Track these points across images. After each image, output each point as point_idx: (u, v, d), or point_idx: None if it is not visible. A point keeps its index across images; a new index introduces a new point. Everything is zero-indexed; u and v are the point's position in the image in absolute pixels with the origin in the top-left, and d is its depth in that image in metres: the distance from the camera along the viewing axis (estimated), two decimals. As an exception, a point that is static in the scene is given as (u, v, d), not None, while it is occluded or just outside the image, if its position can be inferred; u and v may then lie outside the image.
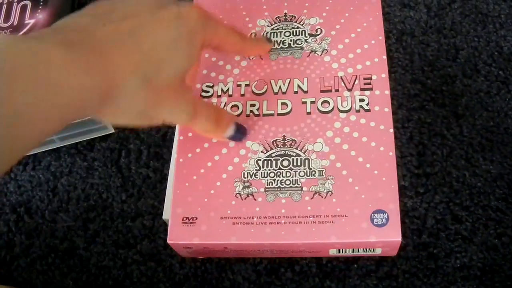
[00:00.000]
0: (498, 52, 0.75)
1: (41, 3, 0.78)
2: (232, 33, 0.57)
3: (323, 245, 0.56)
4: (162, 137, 0.74)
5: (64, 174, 0.74)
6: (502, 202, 0.66)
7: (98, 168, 0.73)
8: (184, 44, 0.49)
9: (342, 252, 0.58)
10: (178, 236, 0.58)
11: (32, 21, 0.76)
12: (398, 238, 0.54)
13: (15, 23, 0.76)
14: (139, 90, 0.47)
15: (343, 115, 0.60)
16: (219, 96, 0.63)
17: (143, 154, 0.73)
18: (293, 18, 0.67)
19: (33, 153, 0.75)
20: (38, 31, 0.45)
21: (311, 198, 0.57)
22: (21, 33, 0.75)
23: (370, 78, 0.61)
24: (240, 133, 0.59)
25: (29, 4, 0.78)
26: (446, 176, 0.68)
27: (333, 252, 0.58)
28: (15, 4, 0.78)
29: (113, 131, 0.75)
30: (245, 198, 0.58)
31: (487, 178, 0.67)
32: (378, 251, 0.58)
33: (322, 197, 0.56)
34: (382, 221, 0.55)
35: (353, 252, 0.58)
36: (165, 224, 0.67)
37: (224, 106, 0.62)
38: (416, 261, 0.64)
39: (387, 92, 0.61)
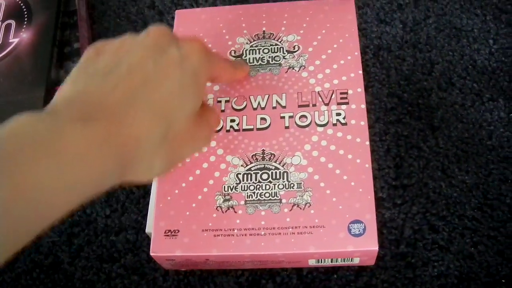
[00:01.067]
0: (472, 65, 0.77)
1: (25, 22, 0.79)
2: (227, 64, 0.59)
3: (302, 255, 0.57)
4: (145, 152, 0.75)
5: (49, 190, 0.74)
6: (477, 211, 0.68)
7: (82, 183, 0.74)
8: (191, 86, 0.50)
9: (321, 262, 0.59)
10: (160, 249, 0.59)
11: (16, 40, 0.77)
12: (375, 248, 0.56)
13: (-1, 42, 0.78)
14: (157, 149, 0.48)
15: (320, 129, 0.62)
16: None
17: (126, 169, 0.75)
18: (271, 36, 0.68)
19: (17, 170, 0.76)
20: (50, 105, 0.45)
21: (290, 210, 0.58)
22: (5, 52, 0.77)
23: (347, 93, 0.63)
24: None
25: (13, 23, 0.79)
26: (423, 187, 0.69)
27: (312, 262, 0.60)
28: (-1, 23, 0.80)
29: (96, 147, 0.76)
30: (225, 211, 0.59)
31: (463, 188, 0.69)
32: (356, 261, 0.59)
33: (300, 208, 0.58)
34: (359, 231, 0.56)
35: (331, 262, 0.59)
36: (148, 238, 0.68)
37: None
38: (394, 271, 0.65)
39: (363, 106, 0.62)
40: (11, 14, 0.80)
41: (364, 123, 0.62)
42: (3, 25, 0.79)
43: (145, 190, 0.72)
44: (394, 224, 0.67)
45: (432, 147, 0.72)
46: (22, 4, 0.81)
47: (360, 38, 0.78)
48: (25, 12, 0.80)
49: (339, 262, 0.60)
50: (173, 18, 0.85)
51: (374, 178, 0.69)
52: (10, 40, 0.78)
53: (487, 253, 0.65)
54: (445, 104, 0.75)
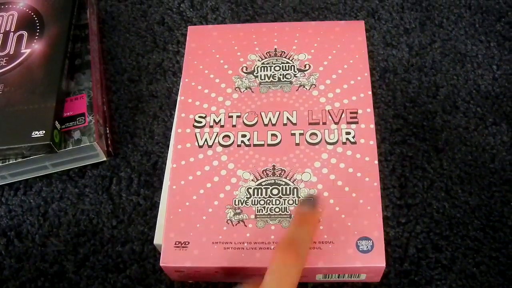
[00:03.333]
0: (476, 90, 0.79)
1: (37, 34, 0.80)
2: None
3: (310, 270, 0.58)
4: (153, 165, 0.76)
5: (55, 200, 0.75)
6: (480, 232, 0.69)
7: (89, 194, 0.75)
8: None
9: (329, 277, 0.60)
10: (170, 260, 0.59)
11: (28, 51, 0.78)
12: (382, 264, 0.57)
13: (11, 52, 0.78)
14: None
15: (330, 147, 0.63)
16: (211, 127, 0.66)
17: (133, 182, 0.75)
18: (282, 54, 0.70)
19: (24, 178, 0.77)
20: None
21: None
22: (17, 62, 0.77)
23: (356, 112, 0.64)
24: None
25: (25, 34, 0.80)
26: (426, 207, 0.70)
27: (319, 277, 0.60)
28: (11, 34, 0.80)
29: (104, 159, 0.77)
30: (236, 224, 0.60)
31: (466, 209, 0.70)
32: (363, 277, 0.60)
33: None
34: (367, 248, 0.57)
35: (338, 277, 0.60)
36: (154, 250, 0.69)
37: (216, 136, 0.65)
38: (398, 288, 0.66)
39: (372, 126, 0.64)
40: (24, 25, 0.81)
41: (373, 142, 0.63)
42: (16, 35, 0.80)
43: (152, 202, 0.73)
44: (398, 243, 0.68)
45: (436, 168, 0.73)
46: (34, 16, 0.82)
47: (367, 60, 0.80)
48: (37, 24, 0.81)
49: (346, 278, 0.60)
50: (182, 34, 0.86)
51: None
52: (22, 51, 0.79)
53: (489, 274, 0.66)
54: (449, 127, 0.76)
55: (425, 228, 0.69)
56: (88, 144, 0.73)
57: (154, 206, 0.73)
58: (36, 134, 0.71)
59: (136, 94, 0.83)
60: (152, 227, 0.71)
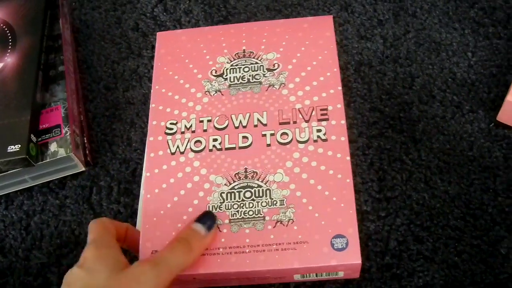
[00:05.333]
0: (452, 78, 0.79)
1: (10, 46, 0.80)
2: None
3: (287, 271, 0.58)
4: (132, 173, 0.76)
5: (37, 213, 0.75)
6: (460, 221, 0.68)
7: (70, 205, 0.75)
8: None
9: (306, 277, 0.60)
10: None
11: (1, 65, 0.78)
12: (358, 261, 0.57)
13: (-16, 67, 0.78)
14: None
15: (301, 146, 0.63)
16: (182, 133, 0.65)
17: (113, 190, 0.75)
18: (251, 54, 0.69)
19: (5, 193, 0.77)
20: None
21: (274, 227, 0.59)
22: (-10, 77, 0.77)
23: (326, 109, 0.64)
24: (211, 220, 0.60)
25: (-3, 48, 0.80)
26: (406, 199, 0.70)
27: (297, 277, 0.60)
28: (-17, 48, 0.80)
29: (83, 169, 0.76)
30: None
31: (446, 199, 0.70)
32: (341, 274, 0.60)
33: (284, 225, 0.59)
34: (342, 246, 0.57)
35: (316, 276, 0.60)
36: (135, 258, 0.69)
37: (188, 142, 0.65)
38: (380, 282, 0.66)
39: (343, 122, 0.63)
40: (-4, 39, 0.81)
41: (344, 138, 0.63)
42: (-12, 50, 0.80)
43: (132, 210, 0.73)
44: (379, 236, 0.68)
45: (415, 159, 0.73)
46: (6, 29, 0.82)
47: (341, 54, 0.80)
48: (9, 36, 0.81)
49: (324, 277, 0.60)
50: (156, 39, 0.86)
51: (358, 191, 0.70)
52: (-4, 65, 0.79)
53: (471, 262, 0.66)
54: (426, 117, 0.76)
55: (406, 220, 0.69)
56: (65, 155, 0.73)
57: (134, 214, 0.73)
58: (12, 149, 0.71)
59: (112, 102, 0.82)
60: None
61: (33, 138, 0.73)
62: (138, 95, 0.82)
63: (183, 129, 0.66)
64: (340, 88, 0.65)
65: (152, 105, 0.68)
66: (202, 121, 0.66)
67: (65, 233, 0.73)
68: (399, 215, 0.69)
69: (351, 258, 0.57)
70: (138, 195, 0.72)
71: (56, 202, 0.76)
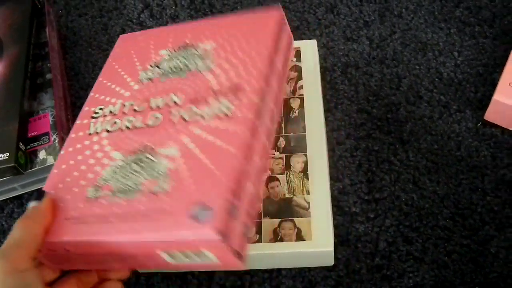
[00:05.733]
0: (439, 78, 0.79)
1: (-3, 56, 0.80)
2: None
3: (146, 244, 0.54)
4: (121, 179, 0.76)
5: (27, 221, 0.75)
6: (449, 221, 0.69)
7: (60, 213, 0.75)
8: None
9: (173, 258, 0.55)
10: None
11: (-13, 74, 0.78)
12: (215, 236, 0.50)
13: (-28, 76, 0.78)
14: None
15: (205, 123, 0.61)
16: (104, 116, 0.66)
17: (103, 196, 0.75)
18: (191, 46, 0.70)
19: (-6, 202, 0.77)
20: None
21: (145, 197, 0.56)
22: (-23, 86, 0.77)
23: (242, 89, 0.62)
24: None
25: (-16, 57, 0.80)
26: (395, 200, 0.71)
27: (164, 256, 0.55)
28: (-30, 58, 0.80)
29: (72, 176, 0.76)
30: (94, 202, 0.58)
31: (435, 199, 0.70)
32: (212, 258, 0.54)
33: (156, 195, 0.55)
34: (202, 216, 0.51)
35: (185, 258, 0.55)
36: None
37: (106, 123, 0.66)
38: (370, 284, 0.66)
39: (257, 100, 0.61)
40: (-17, 48, 0.81)
41: (251, 115, 0.60)
42: (-25, 59, 0.80)
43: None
44: (368, 238, 0.68)
45: (403, 160, 0.73)
46: (-7, 38, 0.82)
47: (327, 56, 0.80)
48: (-4, 46, 0.81)
49: (194, 259, 0.54)
50: (143, 45, 0.86)
51: (347, 193, 0.70)
52: (-17, 74, 0.79)
53: (461, 262, 0.66)
54: (413, 118, 0.76)
55: (395, 221, 0.69)
56: (54, 163, 0.73)
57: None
58: (1, 157, 0.70)
59: (101, 108, 0.82)
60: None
61: (22, 146, 0.73)
62: (126, 101, 0.82)
63: (107, 113, 0.67)
64: (263, 68, 0.64)
65: (90, 94, 0.70)
66: (125, 105, 0.66)
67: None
68: (388, 216, 0.70)
69: (208, 232, 0.50)
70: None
71: (45, 210, 0.76)
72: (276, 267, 0.68)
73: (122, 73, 0.71)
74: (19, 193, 0.77)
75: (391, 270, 0.66)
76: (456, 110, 0.76)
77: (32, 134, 0.76)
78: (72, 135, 0.66)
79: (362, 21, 0.85)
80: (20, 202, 0.77)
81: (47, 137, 0.75)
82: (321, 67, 0.78)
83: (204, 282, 0.68)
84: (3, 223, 0.75)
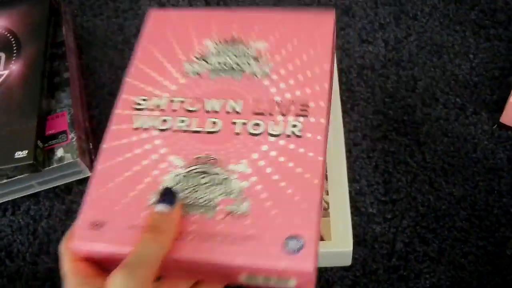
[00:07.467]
0: (454, 80, 0.79)
1: (15, 54, 0.80)
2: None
3: (230, 267, 0.53)
4: (138, 177, 0.77)
5: (44, 218, 0.75)
6: (466, 222, 0.69)
7: (77, 210, 0.75)
8: None
9: (253, 280, 0.55)
10: (83, 239, 0.55)
11: (6, 72, 0.78)
12: (310, 269, 0.51)
13: (-11, 75, 0.79)
14: None
15: (272, 139, 0.59)
16: (151, 110, 0.63)
17: (119, 195, 0.76)
18: (239, 41, 0.66)
19: (12, 198, 0.77)
20: None
21: (224, 218, 0.55)
22: (-5, 84, 0.78)
23: (307, 105, 0.61)
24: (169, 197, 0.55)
25: (2, 55, 0.80)
26: (411, 201, 0.71)
27: (243, 279, 0.55)
28: (-12, 56, 0.81)
29: (89, 174, 0.77)
30: None
31: (451, 201, 0.71)
32: (292, 284, 0.54)
33: (235, 217, 0.54)
34: (295, 248, 0.52)
35: (264, 281, 0.55)
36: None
37: (154, 119, 0.62)
38: (387, 284, 0.66)
39: (323, 120, 0.59)
40: (0, 47, 0.81)
41: (321, 137, 0.58)
42: (-7, 57, 0.81)
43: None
44: (385, 239, 0.69)
45: (419, 161, 0.73)
46: (10, 37, 0.82)
47: (343, 58, 0.81)
48: (14, 44, 0.81)
49: (273, 284, 0.55)
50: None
51: (364, 194, 0.70)
52: (0, 72, 0.79)
53: (477, 263, 0.67)
54: (429, 119, 0.76)
55: (411, 222, 0.70)
56: (72, 161, 0.73)
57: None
58: (19, 155, 0.71)
59: (117, 108, 0.83)
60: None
61: (40, 144, 0.73)
62: (143, 100, 0.83)
63: (152, 107, 0.63)
64: (326, 85, 0.62)
65: (127, 80, 0.65)
66: (173, 101, 0.63)
67: (72, 239, 0.73)
68: (405, 217, 0.70)
69: (303, 264, 0.51)
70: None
71: (62, 208, 0.76)
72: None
73: (162, 60, 0.66)
74: (36, 191, 0.77)
75: (407, 270, 0.67)
76: (472, 112, 0.76)
77: (50, 132, 0.76)
78: (113, 126, 0.62)
79: (377, 24, 0.86)
80: (37, 199, 0.77)
81: (65, 135, 0.75)
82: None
83: (222, 281, 0.68)
84: (20, 220, 0.76)
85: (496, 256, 0.67)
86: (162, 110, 0.62)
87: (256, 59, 0.65)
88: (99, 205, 0.57)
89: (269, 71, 0.63)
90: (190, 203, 0.56)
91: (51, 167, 0.73)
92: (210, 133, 0.60)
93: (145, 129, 0.61)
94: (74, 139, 0.75)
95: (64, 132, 0.76)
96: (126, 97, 0.64)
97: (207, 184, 0.57)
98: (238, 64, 0.65)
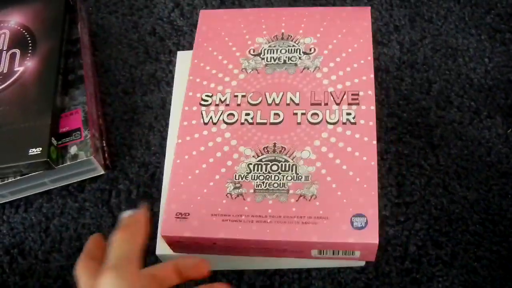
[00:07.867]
0: (469, 84, 0.79)
1: (30, 51, 0.80)
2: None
3: (305, 244, 0.59)
4: (151, 176, 0.77)
5: (56, 215, 0.76)
6: (479, 226, 0.69)
7: (89, 208, 0.76)
8: None
9: (323, 254, 0.61)
10: (171, 230, 0.61)
11: (21, 69, 0.78)
12: (375, 241, 0.58)
13: (5, 71, 0.79)
14: None
15: (330, 127, 0.65)
16: (217, 105, 0.68)
17: (132, 193, 0.76)
18: (289, 37, 0.72)
19: (24, 196, 0.77)
20: None
21: (297, 201, 0.61)
22: (10, 80, 0.78)
23: (358, 94, 0.66)
24: None
25: (18, 52, 0.80)
26: (425, 204, 0.71)
27: (314, 253, 0.61)
28: (4, 52, 0.81)
29: (102, 172, 0.77)
30: (235, 198, 0.62)
31: (464, 204, 0.70)
32: (357, 254, 0.61)
33: (306, 200, 0.60)
34: (361, 224, 0.58)
35: (333, 254, 0.61)
36: (156, 260, 0.69)
37: (221, 114, 0.67)
38: (400, 287, 0.66)
39: (373, 107, 0.65)
40: (16, 43, 0.82)
41: (372, 123, 0.64)
42: (8, 54, 0.81)
43: (151, 213, 0.73)
44: (398, 241, 0.69)
45: (433, 164, 0.73)
46: (26, 33, 0.82)
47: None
48: (29, 41, 0.81)
49: (340, 255, 0.61)
50: (174, 43, 0.87)
51: (378, 196, 0.70)
52: (16, 69, 0.79)
53: (490, 267, 0.66)
54: (444, 122, 0.76)
55: (425, 225, 0.69)
56: (85, 158, 0.73)
57: (153, 217, 0.73)
58: (33, 152, 0.71)
59: (131, 106, 0.83)
60: (153, 238, 0.71)
61: (54, 141, 0.73)
62: (156, 99, 0.83)
63: (217, 102, 0.68)
64: (372, 76, 0.67)
65: (190, 77, 0.71)
66: (236, 96, 0.68)
67: (84, 236, 0.73)
68: (418, 220, 0.70)
69: (368, 238, 0.58)
70: (157, 199, 0.73)
71: (75, 205, 0.76)
72: (307, 267, 0.68)
73: (220, 57, 0.72)
74: (49, 188, 0.77)
75: (420, 273, 0.67)
76: (486, 116, 0.76)
77: (64, 129, 0.76)
78: (184, 122, 0.68)
79: (392, 26, 0.85)
80: (49, 197, 0.77)
81: (79, 132, 0.75)
82: (352, 70, 0.79)
83: (234, 282, 0.68)
84: (32, 217, 0.76)
85: (510, 260, 0.67)
86: (227, 105, 0.68)
87: (306, 53, 0.71)
88: (181, 197, 0.63)
89: (319, 65, 0.69)
90: (265, 188, 0.62)
91: (64, 164, 0.74)
92: (274, 124, 0.66)
93: (214, 123, 0.67)
94: (87, 137, 0.75)
95: (78, 129, 0.76)
96: (191, 94, 0.70)
97: (278, 171, 0.63)
98: (290, 59, 0.71)
